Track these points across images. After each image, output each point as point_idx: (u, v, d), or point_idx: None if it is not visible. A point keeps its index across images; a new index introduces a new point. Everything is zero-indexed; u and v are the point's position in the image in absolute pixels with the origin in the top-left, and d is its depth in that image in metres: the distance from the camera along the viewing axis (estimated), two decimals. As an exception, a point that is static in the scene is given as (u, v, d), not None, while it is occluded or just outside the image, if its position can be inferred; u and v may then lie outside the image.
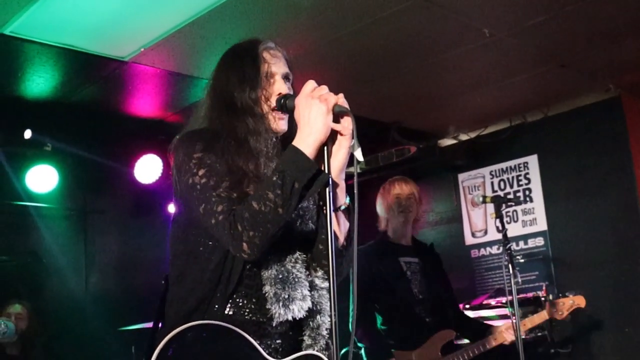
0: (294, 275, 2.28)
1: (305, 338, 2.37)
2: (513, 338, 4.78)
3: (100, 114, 6.19)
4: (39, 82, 5.43)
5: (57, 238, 6.75)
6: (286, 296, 2.25)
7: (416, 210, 5.18)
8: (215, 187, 2.21)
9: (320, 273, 2.39)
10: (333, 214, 2.22)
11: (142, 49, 4.98)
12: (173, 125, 6.51)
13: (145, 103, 6.14)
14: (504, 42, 5.30)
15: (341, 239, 2.39)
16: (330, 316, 2.09)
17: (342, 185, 2.36)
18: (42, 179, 6.33)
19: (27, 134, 6.00)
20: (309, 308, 2.30)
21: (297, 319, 2.28)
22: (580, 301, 5.17)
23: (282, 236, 2.21)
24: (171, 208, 7.15)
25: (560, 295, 5.29)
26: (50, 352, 6.12)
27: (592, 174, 6.74)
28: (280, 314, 2.24)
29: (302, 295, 2.28)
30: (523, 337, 4.74)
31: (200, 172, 2.24)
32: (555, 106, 6.89)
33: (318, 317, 2.35)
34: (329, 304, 2.31)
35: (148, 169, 6.70)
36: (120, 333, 5.90)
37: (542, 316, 5.12)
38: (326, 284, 2.36)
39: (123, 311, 6.45)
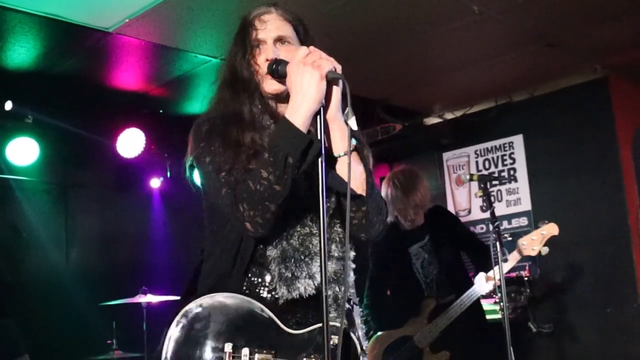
0: (300, 252, 2.25)
1: None
2: (489, 289, 4.72)
3: (82, 86, 6.11)
4: (21, 52, 5.34)
5: (37, 212, 6.68)
6: (289, 275, 2.22)
7: (422, 211, 5.12)
8: (219, 171, 2.22)
9: (335, 241, 2.33)
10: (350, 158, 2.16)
11: (127, 20, 4.90)
12: (157, 98, 6.46)
13: (129, 75, 6.05)
14: (493, 20, 5.27)
15: (358, 188, 2.27)
16: (321, 284, 2.03)
17: (341, 128, 2.25)
18: (22, 151, 6.25)
19: (8, 105, 5.92)
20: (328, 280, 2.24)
21: (305, 297, 2.24)
22: (552, 229, 4.60)
23: (289, 210, 2.19)
24: (154, 183, 7.17)
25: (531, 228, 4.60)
26: (30, 327, 6.06)
27: (578, 154, 6.74)
28: (283, 293, 2.22)
29: (308, 273, 2.24)
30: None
31: (207, 159, 2.26)
32: (542, 86, 6.88)
33: (335, 287, 2.29)
34: (349, 272, 2.32)
35: (130, 142, 6.65)
36: (101, 308, 5.88)
37: (514, 257, 4.64)
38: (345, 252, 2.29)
39: (104, 286, 6.43)
